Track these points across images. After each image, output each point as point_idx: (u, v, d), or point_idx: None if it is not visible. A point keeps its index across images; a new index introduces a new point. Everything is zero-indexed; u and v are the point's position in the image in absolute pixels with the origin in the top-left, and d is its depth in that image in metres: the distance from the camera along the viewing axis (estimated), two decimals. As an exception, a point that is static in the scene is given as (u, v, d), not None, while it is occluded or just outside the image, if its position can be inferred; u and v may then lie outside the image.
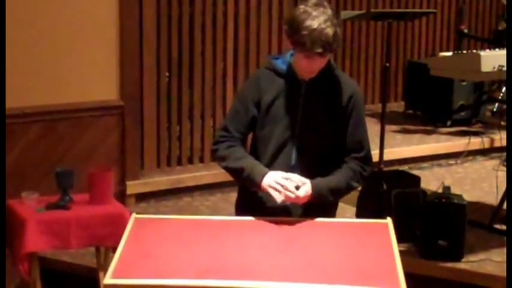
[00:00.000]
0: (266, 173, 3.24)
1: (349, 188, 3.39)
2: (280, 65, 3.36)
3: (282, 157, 3.34)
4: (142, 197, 5.93)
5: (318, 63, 3.24)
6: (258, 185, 3.24)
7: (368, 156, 3.41)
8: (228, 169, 3.34)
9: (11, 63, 5.18)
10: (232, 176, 3.36)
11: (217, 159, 3.39)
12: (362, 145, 3.39)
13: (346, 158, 3.37)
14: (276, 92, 3.32)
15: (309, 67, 3.25)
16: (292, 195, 3.18)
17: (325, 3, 3.21)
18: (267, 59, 3.47)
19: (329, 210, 3.42)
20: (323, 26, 3.12)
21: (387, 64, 5.55)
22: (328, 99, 3.33)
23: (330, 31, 3.13)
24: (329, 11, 3.17)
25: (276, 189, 3.19)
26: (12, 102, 5.17)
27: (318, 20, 3.13)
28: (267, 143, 3.36)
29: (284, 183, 3.18)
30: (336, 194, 3.36)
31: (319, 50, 3.14)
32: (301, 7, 3.19)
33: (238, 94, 3.51)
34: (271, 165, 3.33)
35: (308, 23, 3.13)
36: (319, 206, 3.31)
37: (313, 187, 3.25)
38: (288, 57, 3.37)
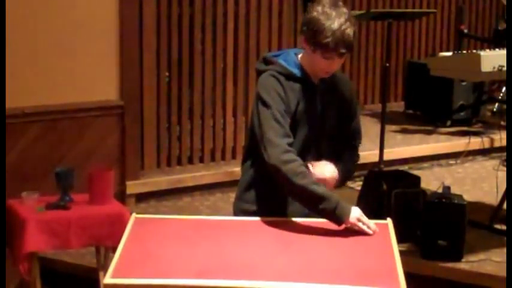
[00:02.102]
0: (351, 209, 3.15)
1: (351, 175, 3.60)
2: (294, 69, 3.29)
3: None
4: (142, 197, 5.93)
5: (338, 64, 3.23)
6: (344, 221, 3.12)
7: (360, 140, 3.56)
8: (303, 189, 3.11)
9: (11, 63, 5.18)
10: (303, 197, 3.16)
11: (289, 171, 3.10)
12: (360, 131, 3.52)
13: (344, 146, 3.45)
14: (296, 98, 3.27)
15: (328, 68, 3.22)
16: (371, 232, 3.14)
17: (340, 3, 3.18)
18: (270, 59, 3.32)
19: None
20: (344, 26, 3.10)
21: (387, 64, 5.55)
22: (336, 97, 3.36)
23: (350, 31, 3.12)
24: (346, 11, 3.15)
25: (364, 224, 3.14)
26: (12, 102, 5.17)
27: (338, 20, 3.10)
28: None
29: (366, 221, 3.14)
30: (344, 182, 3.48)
31: (343, 51, 3.13)
32: (319, 8, 3.14)
33: (267, 103, 3.20)
34: None
35: (329, 23, 3.10)
36: None
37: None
38: (293, 57, 3.31)
